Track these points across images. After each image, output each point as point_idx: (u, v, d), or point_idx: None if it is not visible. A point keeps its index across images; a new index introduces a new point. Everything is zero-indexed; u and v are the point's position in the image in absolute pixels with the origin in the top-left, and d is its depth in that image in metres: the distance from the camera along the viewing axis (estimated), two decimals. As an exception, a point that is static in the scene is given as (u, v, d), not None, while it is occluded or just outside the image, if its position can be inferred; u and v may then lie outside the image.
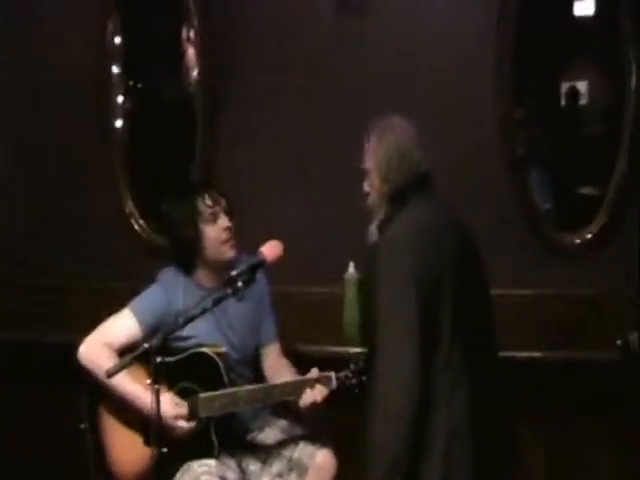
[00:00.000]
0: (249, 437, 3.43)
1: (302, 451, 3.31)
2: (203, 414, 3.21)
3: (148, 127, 4.65)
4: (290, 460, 3.31)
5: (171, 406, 3.18)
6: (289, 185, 4.19)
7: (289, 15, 4.19)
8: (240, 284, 2.99)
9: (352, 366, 3.26)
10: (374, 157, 3.03)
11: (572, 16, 4.22)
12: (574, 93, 4.48)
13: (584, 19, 4.21)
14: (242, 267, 3.03)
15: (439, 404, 2.83)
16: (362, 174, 3.12)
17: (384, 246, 2.89)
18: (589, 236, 3.96)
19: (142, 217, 4.49)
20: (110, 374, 2.97)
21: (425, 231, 2.90)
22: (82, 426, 3.36)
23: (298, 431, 3.40)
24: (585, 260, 3.94)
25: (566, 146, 4.39)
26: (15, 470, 4.48)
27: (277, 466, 3.31)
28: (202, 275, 3.41)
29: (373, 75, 4.08)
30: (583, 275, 3.87)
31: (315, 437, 3.36)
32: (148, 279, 3.89)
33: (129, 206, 4.49)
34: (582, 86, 4.46)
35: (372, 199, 3.07)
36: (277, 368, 3.48)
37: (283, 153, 4.22)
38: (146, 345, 2.84)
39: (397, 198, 2.98)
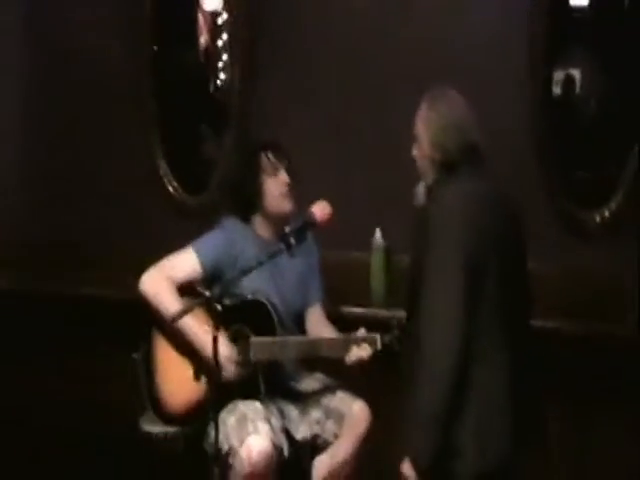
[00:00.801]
0: (289, 385, 3.61)
1: (339, 400, 3.50)
2: (254, 358, 3.39)
3: (181, 92, 4.83)
4: (327, 408, 3.49)
5: (225, 347, 3.33)
6: (324, 152, 4.36)
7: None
8: (292, 241, 3.19)
9: (396, 332, 3.40)
10: (426, 123, 3.12)
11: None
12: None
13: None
14: (295, 225, 3.25)
15: (479, 364, 2.92)
16: (412, 139, 3.22)
17: (436, 212, 3.00)
18: (607, 215, 4.09)
19: (175, 178, 4.68)
20: (175, 319, 3.16)
21: (476, 202, 3.01)
22: (134, 355, 3.54)
23: (335, 383, 3.58)
24: (604, 238, 4.06)
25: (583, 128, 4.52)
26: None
27: (315, 413, 3.50)
28: (259, 225, 3.61)
29: (407, 56, 4.24)
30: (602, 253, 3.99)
31: (350, 390, 3.54)
32: (180, 240, 4.12)
33: (163, 168, 4.67)
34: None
35: (421, 163, 3.18)
36: (321, 329, 3.64)
37: (318, 122, 4.38)
38: (208, 293, 3.04)
39: (447, 165, 3.08)
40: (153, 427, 3.62)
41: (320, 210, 3.32)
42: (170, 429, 3.55)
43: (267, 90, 4.48)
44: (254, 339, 3.41)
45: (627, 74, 4.08)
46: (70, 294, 4.70)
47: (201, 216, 4.49)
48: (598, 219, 4.09)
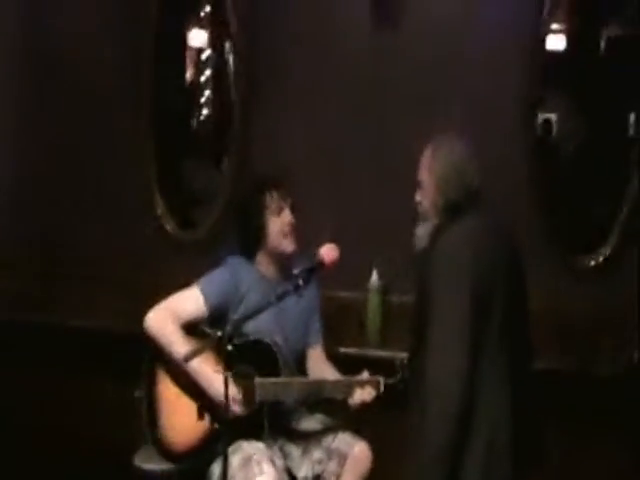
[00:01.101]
0: (290, 424, 3.63)
1: (341, 441, 3.52)
2: (259, 398, 3.39)
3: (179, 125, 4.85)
4: (329, 449, 3.51)
5: (230, 387, 3.30)
6: (320, 188, 4.36)
7: (326, 24, 4.40)
8: (301, 282, 3.22)
9: (399, 375, 3.46)
10: (431, 171, 3.23)
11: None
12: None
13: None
14: (303, 266, 3.28)
15: (484, 398, 2.99)
16: (415, 185, 3.32)
17: (441, 252, 3.07)
18: (602, 259, 4.18)
19: (171, 216, 4.69)
20: (187, 358, 3.16)
21: (480, 237, 3.10)
22: (136, 393, 3.55)
23: (335, 424, 3.61)
24: (598, 279, 4.15)
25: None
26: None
27: (317, 453, 3.51)
28: (263, 265, 3.66)
29: (407, 82, 4.29)
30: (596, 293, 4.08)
31: (351, 430, 3.57)
32: (173, 274, 4.21)
33: (158, 202, 4.67)
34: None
35: (424, 208, 3.28)
36: (322, 369, 3.68)
37: (316, 155, 4.40)
38: (219, 333, 3.05)
39: (450, 210, 3.18)
40: (147, 464, 3.62)
41: (328, 252, 3.34)
42: (165, 466, 3.55)
43: (264, 125, 4.49)
44: (259, 380, 3.41)
45: (604, 116, 4.22)
46: (57, 324, 4.66)
47: (197, 251, 4.53)
48: (592, 263, 4.18)
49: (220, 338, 3.01)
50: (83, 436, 4.63)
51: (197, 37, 4.86)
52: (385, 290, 4.24)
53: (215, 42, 4.74)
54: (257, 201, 3.63)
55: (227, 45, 4.59)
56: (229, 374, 3.07)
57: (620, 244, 4.16)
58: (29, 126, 5.00)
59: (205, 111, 4.87)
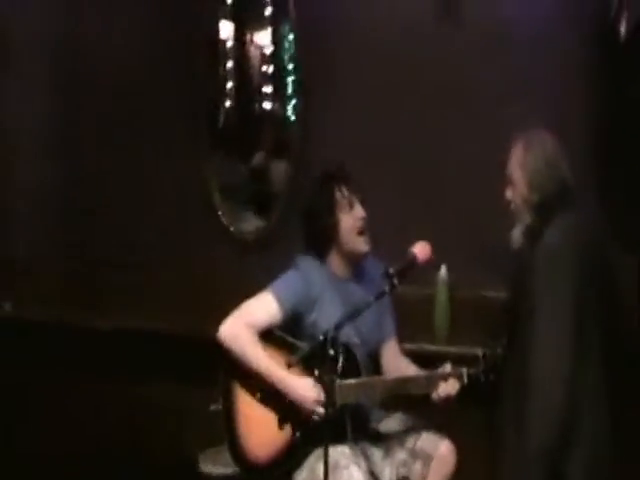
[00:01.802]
0: (371, 426, 3.52)
1: (425, 441, 3.41)
2: (340, 401, 3.26)
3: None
4: (413, 450, 3.40)
5: (311, 390, 3.28)
6: (382, 182, 4.25)
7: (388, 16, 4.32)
8: (396, 281, 3.15)
9: (482, 365, 3.33)
10: (522, 167, 3.19)
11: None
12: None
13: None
14: (398, 265, 3.19)
15: (584, 412, 2.98)
16: (505, 182, 3.27)
17: (546, 254, 3.03)
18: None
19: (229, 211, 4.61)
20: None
21: (582, 243, 3.06)
22: (212, 407, 3.44)
23: (417, 423, 3.50)
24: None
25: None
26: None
27: (400, 455, 3.41)
28: (335, 264, 3.51)
29: (467, 75, 4.22)
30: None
31: (433, 429, 3.46)
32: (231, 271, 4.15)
33: (217, 199, 4.60)
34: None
35: (516, 206, 3.23)
36: (398, 365, 3.58)
37: (378, 152, 4.31)
38: (321, 336, 2.98)
39: (544, 208, 3.14)
40: (213, 468, 3.62)
41: (421, 250, 3.26)
42: (230, 470, 3.49)
43: (323, 118, 4.41)
44: (340, 382, 3.27)
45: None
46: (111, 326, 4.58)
47: (260, 250, 4.47)
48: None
49: (324, 342, 2.95)
50: (146, 441, 4.58)
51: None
52: (453, 286, 4.16)
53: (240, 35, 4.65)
54: (326, 197, 3.47)
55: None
56: (333, 378, 3.03)
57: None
58: (76, 126, 4.96)
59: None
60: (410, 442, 3.42)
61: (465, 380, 3.33)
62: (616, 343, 3.08)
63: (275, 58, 4.62)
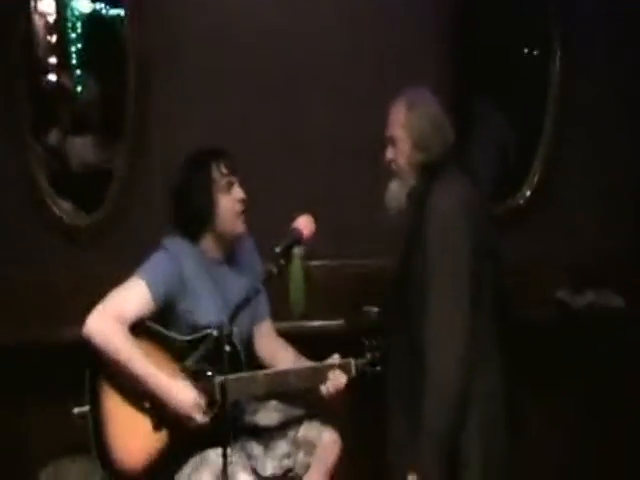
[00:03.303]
0: (247, 420, 3.30)
1: (307, 429, 3.23)
2: (228, 397, 2.95)
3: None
4: (295, 439, 3.22)
5: (190, 392, 3.02)
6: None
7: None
8: (282, 262, 2.93)
9: (369, 355, 3.20)
10: (406, 126, 3.06)
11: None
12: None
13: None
14: (283, 244, 2.97)
15: (478, 372, 2.92)
16: (385, 142, 3.15)
17: (436, 218, 2.92)
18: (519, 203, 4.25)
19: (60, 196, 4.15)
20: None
21: (471, 205, 2.97)
22: (76, 410, 3.08)
23: (295, 411, 3.31)
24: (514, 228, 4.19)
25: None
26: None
27: (282, 447, 3.23)
28: (208, 246, 3.23)
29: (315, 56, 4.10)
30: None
31: (314, 416, 3.28)
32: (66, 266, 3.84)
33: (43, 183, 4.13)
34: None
35: (399, 167, 3.11)
36: (274, 347, 3.39)
37: (220, 136, 3.99)
38: (215, 332, 2.76)
39: (430, 166, 3.04)
40: None
41: (306, 225, 3.05)
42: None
43: (161, 92, 4.07)
44: (222, 378, 2.94)
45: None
46: None
47: (94, 238, 4.08)
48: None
49: (217, 339, 2.72)
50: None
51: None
52: (306, 256, 4.00)
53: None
54: (202, 176, 3.17)
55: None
56: (221, 379, 2.82)
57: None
58: None
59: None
60: (291, 432, 3.23)
61: (353, 372, 3.17)
62: (503, 297, 3.06)
63: (59, 27, 4.37)
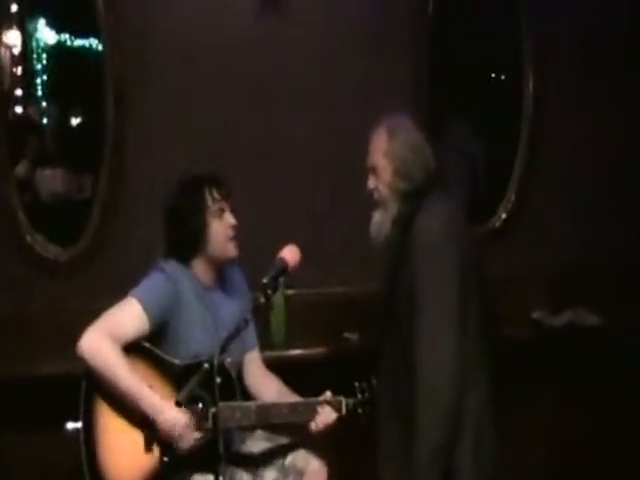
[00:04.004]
0: (235, 449, 3.29)
1: (295, 457, 3.23)
2: (220, 426, 2.95)
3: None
4: (283, 466, 3.22)
5: (181, 414, 3.01)
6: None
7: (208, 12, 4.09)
8: (270, 292, 2.92)
9: (359, 396, 3.20)
10: (387, 155, 3.08)
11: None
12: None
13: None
14: (270, 274, 2.96)
15: (468, 388, 2.96)
16: (366, 171, 3.17)
17: (423, 237, 2.95)
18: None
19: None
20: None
21: (456, 224, 3.02)
22: (68, 426, 3.10)
23: (282, 439, 3.32)
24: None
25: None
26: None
27: (270, 475, 3.22)
28: (200, 270, 3.24)
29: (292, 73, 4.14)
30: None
31: (301, 444, 3.28)
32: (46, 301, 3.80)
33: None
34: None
35: (381, 195, 3.13)
36: (263, 378, 3.39)
37: (196, 154, 4.06)
38: (206, 365, 2.73)
39: (413, 193, 3.06)
40: None
41: (291, 255, 3.04)
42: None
43: (138, 122, 4.06)
44: (216, 408, 2.94)
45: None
46: None
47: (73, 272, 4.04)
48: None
49: (210, 370, 2.72)
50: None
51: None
52: (287, 287, 3.99)
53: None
54: (195, 201, 3.20)
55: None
56: (215, 409, 2.86)
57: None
58: None
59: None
60: (279, 460, 3.23)
61: (344, 411, 3.19)
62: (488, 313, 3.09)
63: (24, 59, 4.36)
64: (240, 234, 3.24)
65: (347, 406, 3.18)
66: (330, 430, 3.16)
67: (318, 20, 4.12)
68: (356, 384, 3.19)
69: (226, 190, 3.25)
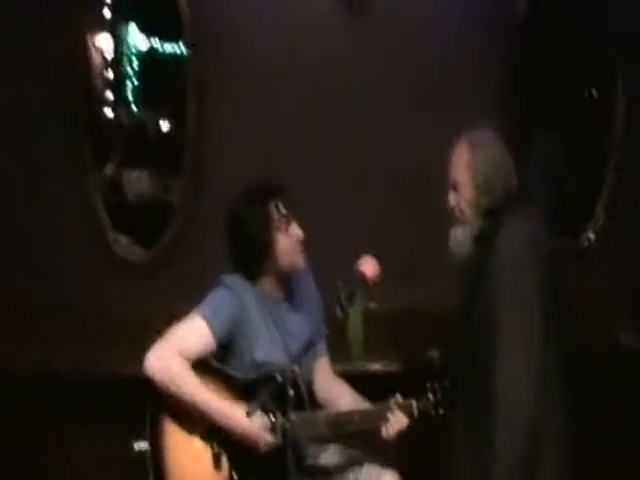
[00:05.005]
0: (308, 462, 3.22)
1: (368, 472, 3.16)
2: (290, 438, 2.95)
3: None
4: None
5: (258, 418, 2.94)
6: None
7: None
8: (345, 302, 2.89)
9: (431, 397, 3.09)
10: (469, 169, 3.01)
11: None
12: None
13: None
14: (346, 289, 2.91)
15: (549, 407, 2.89)
16: (447, 186, 3.09)
17: (506, 256, 2.88)
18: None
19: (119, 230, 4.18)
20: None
21: (538, 239, 2.95)
22: (137, 446, 3.02)
23: (355, 453, 3.24)
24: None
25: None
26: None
27: (342, 489, 3.18)
28: (267, 284, 3.17)
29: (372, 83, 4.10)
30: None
31: (375, 459, 3.21)
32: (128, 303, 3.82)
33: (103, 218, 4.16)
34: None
35: (463, 211, 3.06)
36: (332, 385, 3.31)
37: (274, 161, 4.06)
38: (279, 378, 2.72)
39: (494, 212, 2.99)
40: None
41: (369, 267, 2.99)
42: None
43: (215, 130, 4.10)
44: (286, 421, 2.94)
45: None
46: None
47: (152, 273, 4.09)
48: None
49: (281, 382, 2.73)
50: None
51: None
52: (367, 299, 3.95)
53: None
54: (260, 214, 3.12)
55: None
56: (286, 422, 2.84)
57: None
58: None
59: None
60: (352, 475, 3.15)
61: (415, 413, 3.07)
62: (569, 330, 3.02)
63: (115, 63, 4.48)
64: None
65: (418, 408, 3.07)
66: (401, 435, 3.06)
67: (399, 31, 4.08)
68: (428, 385, 3.09)
69: (292, 201, 3.16)
